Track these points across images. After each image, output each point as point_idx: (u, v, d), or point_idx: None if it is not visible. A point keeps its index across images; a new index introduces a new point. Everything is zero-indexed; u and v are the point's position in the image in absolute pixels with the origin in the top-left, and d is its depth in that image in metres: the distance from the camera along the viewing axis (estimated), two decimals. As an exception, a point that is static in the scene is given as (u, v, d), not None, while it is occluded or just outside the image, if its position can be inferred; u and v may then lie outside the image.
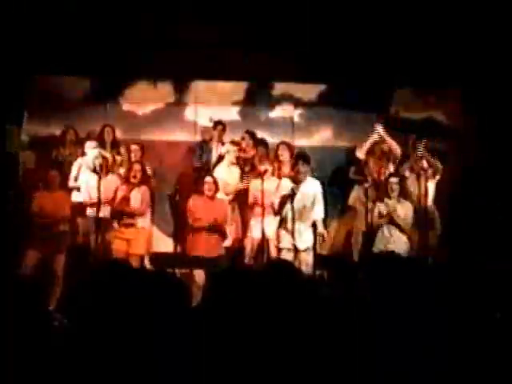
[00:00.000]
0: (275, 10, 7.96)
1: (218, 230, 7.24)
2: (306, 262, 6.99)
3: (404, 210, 7.33)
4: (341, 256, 8.27)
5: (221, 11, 7.90)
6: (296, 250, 7.05)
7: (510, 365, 2.82)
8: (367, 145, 8.13)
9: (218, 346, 2.77)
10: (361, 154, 8.18)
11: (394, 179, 7.41)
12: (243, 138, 8.41)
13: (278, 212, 7.15)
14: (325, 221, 7.46)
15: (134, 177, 7.36)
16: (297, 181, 7.17)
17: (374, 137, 8.11)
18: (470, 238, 7.74)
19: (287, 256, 6.93)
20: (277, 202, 7.17)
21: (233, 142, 8.27)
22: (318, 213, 7.20)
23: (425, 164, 7.99)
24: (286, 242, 7.10)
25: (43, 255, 7.08)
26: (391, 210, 7.26)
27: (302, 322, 2.92)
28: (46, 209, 7.14)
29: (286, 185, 7.26)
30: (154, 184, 8.17)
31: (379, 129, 8.11)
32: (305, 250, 7.06)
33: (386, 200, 7.34)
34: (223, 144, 8.41)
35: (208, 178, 7.39)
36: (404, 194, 7.42)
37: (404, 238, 7.27)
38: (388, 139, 8.10)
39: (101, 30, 8.00)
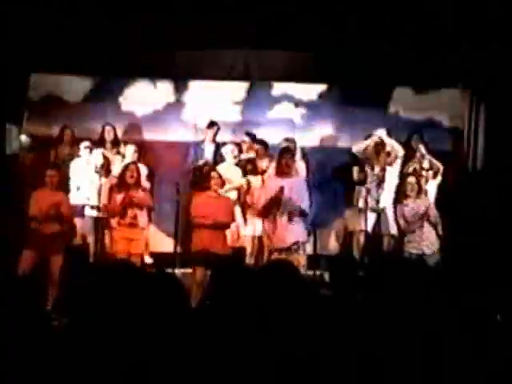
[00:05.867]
0: (275, 9, 7.96)
1: (223, 227, 7.19)
2: (299, 260, 6.93)
3: (426, 205, 7.30)
4: (341, 256, 8.27)
5: (221, 11, 7.90)
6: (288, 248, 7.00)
7: (510, 366, 2.82)
8: (364, 144, 8.18)
9: (217, 346, 2.77)
10: (356, 150, 8.23)
11: (412, 179, 7.39)
12: (244, 141, 8.49)
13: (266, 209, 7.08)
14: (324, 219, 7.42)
15: (132, 177, 7.30)
16: (284, 175, 7.06)
17: (374, 139, 8.13)
18: (472, 239, 7.73)
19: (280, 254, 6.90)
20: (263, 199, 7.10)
21: (234, 143, 8.34)
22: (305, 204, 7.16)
23: (426, 165, 8.02)
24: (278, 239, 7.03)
25: (40, 256, 7.01)
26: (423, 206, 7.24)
27: (302, 322, 2.91)
28: (43, 209, 7.07)
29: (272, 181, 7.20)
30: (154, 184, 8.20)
31: (380, 133, 8.14)
32: (297, 249, 7.00)
33: (404, 201, 7.31)
34: (217, 144, 8.44)
35: (214, 174, 7.29)
36: (420, 192, 7.39)
37: (435, 235, 7.25)
38: (388, 141, 8.13)
39: (101, 29, 8.00)
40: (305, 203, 7.01)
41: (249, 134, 8.55)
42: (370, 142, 8.10)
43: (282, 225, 6.93)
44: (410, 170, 8.04)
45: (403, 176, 7.83)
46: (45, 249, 6.99)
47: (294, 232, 6.93)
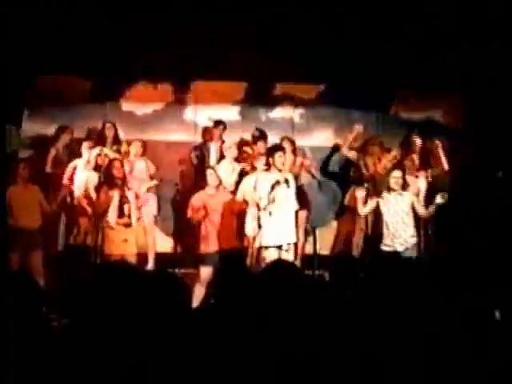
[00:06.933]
0: (275, 10, 7.96)
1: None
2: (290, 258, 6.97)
3: (407, 202, 7.28)
4: (341, 256, 8.27)
5: (221, 11, 7.90)
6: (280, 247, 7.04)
7: (510, 365, 2.82)
8: (348, 141, 8.29)
9: (218, 345, 2.77)
10: (345, 151, 8.27)
11: (397, 173, 7.36)
12: (254, 136, 8.50)
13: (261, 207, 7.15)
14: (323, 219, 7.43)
15: (119, 172, 7.35)
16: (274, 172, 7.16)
17: (354, 132, 8.24)
18: (470, 238, 7.73)
19: (272, 254, 6.94)
20: (258, 196, 7.16)
21: (234, 143, 8.37)
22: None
23: (417, 161, 8.07)
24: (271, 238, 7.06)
25: (22, 254, 7.02)
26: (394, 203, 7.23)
27: (302, 322, 2.91)
28: (17, 204, 7.08)
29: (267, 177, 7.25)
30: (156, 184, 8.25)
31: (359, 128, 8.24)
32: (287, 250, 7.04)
33: (385, 194, 7.29)
34: (223, 143, 8.45)
35: (209, 171, 7.45)
36: (404, 186, 7.38)
37: (411, 231, 7.24)
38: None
39: (101, 29, 8.00)
40: (293, 202, 7.10)
41: (259, 130, 8.59)
42: (352, 135, 8.22)
43: (268, 224, 7.00)
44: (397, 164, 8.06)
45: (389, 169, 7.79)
46: (25, 245, 6.99)
47: (279, 232, 6.98)
